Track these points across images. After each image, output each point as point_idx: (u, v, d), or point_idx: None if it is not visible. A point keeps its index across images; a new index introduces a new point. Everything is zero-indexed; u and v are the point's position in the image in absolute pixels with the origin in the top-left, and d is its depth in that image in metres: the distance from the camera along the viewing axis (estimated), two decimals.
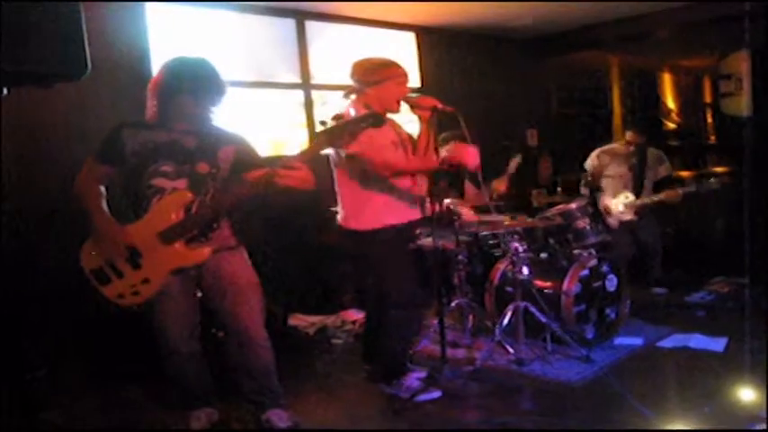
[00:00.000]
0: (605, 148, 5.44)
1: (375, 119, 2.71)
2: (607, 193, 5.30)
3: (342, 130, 2.66)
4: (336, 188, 3.47)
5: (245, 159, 2.93)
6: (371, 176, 3.31)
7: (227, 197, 2.79)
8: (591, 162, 5.40)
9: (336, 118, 2.67)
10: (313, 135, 5.66)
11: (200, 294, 3.07)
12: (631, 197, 5.17)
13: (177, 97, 2.79)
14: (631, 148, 5.27)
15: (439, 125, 3.49)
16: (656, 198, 5.05)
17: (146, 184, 2.79)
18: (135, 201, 2.83)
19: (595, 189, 5.31)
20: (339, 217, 3.48)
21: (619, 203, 5.18)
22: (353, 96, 3.45)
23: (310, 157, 2.72)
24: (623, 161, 5.28)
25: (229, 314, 2.96)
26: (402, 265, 3.47)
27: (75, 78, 2.15)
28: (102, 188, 2.90)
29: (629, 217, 5.18)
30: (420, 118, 3.48)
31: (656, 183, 5.28)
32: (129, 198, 2.86)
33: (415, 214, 3.50)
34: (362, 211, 3.37)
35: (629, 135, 5.33)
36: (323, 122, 2.68)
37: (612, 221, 5.21)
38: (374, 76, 3.38)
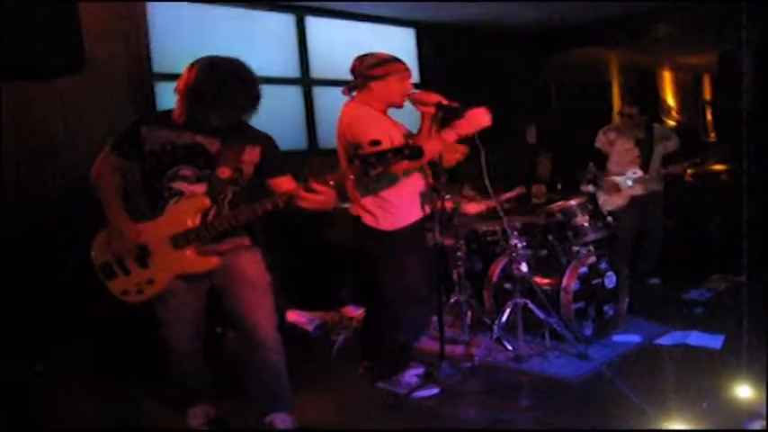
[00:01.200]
0: (609, 126, 5.61)
1: (412, 151, 2.57)
2: (615, 168, 5.40)
3: (378, 161, 2.52)
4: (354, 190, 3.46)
5: (269, 162, 2.83)
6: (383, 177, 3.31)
7: (245, 212, 2.68)
8: (600, 141, 5.56)
9: (373, 143, 2.53)
10: (312, 131, 5.68)
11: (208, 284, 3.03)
12: (639, 172, 5.27)
13: (207, 104, 2.61)
14: (630, 122, 5.38)
15: (442, 121, 3.47)
16: (663, 171, 5.19)
17: (164, 186, 2.71)
18: (152, 199, 2.76)
19: (597, 185, 5.33)
20: (363, 218, 3.44)
21: (627, 179, 5.24)
22: (355, 93, 3.45)
23: (339, 182, 2.63)
24: (629, 136, 5.40)
25: (240, 314, 2.89)
26: (423, 261, 3.48)
27: (73, 72, 2.15)
28: (119, 179, 2.81)
29: (639, 192, 5.29)
30: (423, 114, 3.47)
31: (664, 158, 5.38)
32: (145, 195, 2.79)
33: (426, 210, 3.51)
34: (387, 211, 3.37)
35: (623, 108, 5.48)
36: (357, 147, 2.54)
37: (621, 199, 5.26)
38: (376, 71, 3.37)
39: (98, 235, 2.84)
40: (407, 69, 3.46)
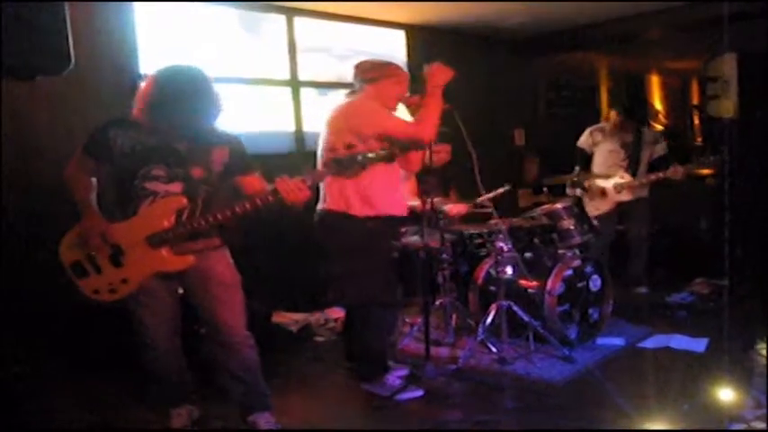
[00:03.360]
0: (597, 126, 5.57)
1: (387, 154, 2.75)
2: (600, 170, 5.38)
3: (352, 162, 2.64)
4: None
5: (237, 161, 2.88)
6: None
7: (223, 213, 2.72)
8: (584, 139, 5.52)
9: (348, 147, 2.65)
10: (300, 134, 5.67)
11: (181, 291, 3.06)
12: (627, 177, 5.22)
13: (169, 112, 2.69)
14: (616, 125, 5.38)
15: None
16: (661, 174, 5.07)
17: (137, 187, 2.73)
18: (125, 200, 2.78)
19: (583, 189, 5.33)
20: (336, 205, 3.42)
21: (613, 183, 5.22)
22: (356, 96, 3.49)
23: (316, 183, 2.72)
24: (615, 138, 5.38)
25: (211, 313, 2.92)
26: (390, 260, 3.48)
27: (58, 72, 2.14)
28: (93, 180, 2.86)
29: (628, 197, 5.24)
30: (414, 116, 3.50)
31: (651, 163, 5.32)
32: (117, 196, 2.81)
33: (400, 210, 3.51)
34: (366, 198, 3.36)
35: (611, 114, 5.48)
36: (332, 150, 2.67)
37: (607, 204, 5.26)
38: (371, 74, 3.43)
39: (67, 234, 2.85)
40: (403, 74, 3.50)
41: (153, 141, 2.76)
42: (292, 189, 2.61)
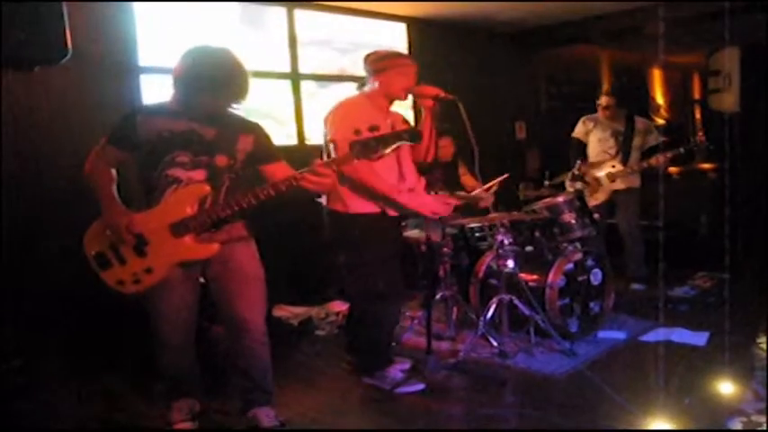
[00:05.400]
0: (591, 115, 5.60)
1: (412, 135, 2.70)
2: (591, 159, 5.41)
3: (377, 143, 2.61)
4: None
5: (262, 150, 2.87)
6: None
7: (246, 198, 2.69)
8: (578, 128, 5.58)
9: (372, 129, 2.62)
10: (301, 126, 5.66)
11: (202, 280, 2.99)
12: (618, 166, 5.24)
13: (197, 92, 2.67)
14: (607, 112, 5.41)
15: (440, 114, 3.51)
16: (644, 164, 5.11)
17: (161, 174, 2.71)
18: (148, 189, 2.76)
19: (584, 182, 5.32)
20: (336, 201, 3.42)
21: (609, 173, 5.23)
22: (366, 88, 3.50)
23: (340, 166, 2.70)
24: (606, 126, 5.43)
25: (229, 305, 2.89)
26: (391, 254, 3.48)
27: (55, 62, 2.13)
28: (114, 171, 2.82)
29: (622, 186, 5.26)
30: (423, 107, 3.52)
31: (644, 152, 5.32)
32: (142, 185, 2.79)
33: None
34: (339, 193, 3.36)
35: (601, 99, 5.48)
36: (357, 132, 2.61)
37: (603, 194, 5.27)
38: (377, 65, 3.43)
39: (92, 225, 2.82)
40: (410, 64, 3.49)
41: (179, 127, 2.73)
42: (317, 182, 2.62)
